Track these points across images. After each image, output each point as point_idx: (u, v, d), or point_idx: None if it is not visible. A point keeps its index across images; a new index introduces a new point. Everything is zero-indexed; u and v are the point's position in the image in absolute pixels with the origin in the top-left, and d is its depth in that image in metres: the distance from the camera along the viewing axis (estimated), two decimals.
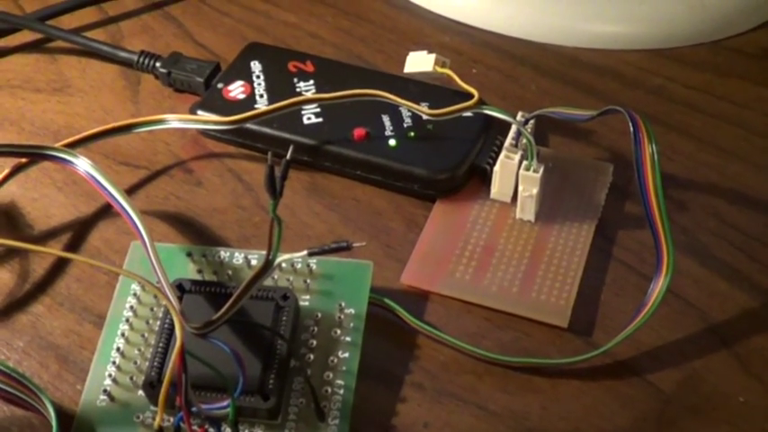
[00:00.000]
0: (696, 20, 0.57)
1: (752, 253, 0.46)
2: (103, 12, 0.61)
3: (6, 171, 0.47)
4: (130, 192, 0.49)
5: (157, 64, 0.54)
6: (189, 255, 0.44)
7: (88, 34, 0.58)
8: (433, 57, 0.50)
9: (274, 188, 0.36)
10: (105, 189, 0.43)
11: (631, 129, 0.42)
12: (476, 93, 0.47)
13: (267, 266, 0.38)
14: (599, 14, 0.57)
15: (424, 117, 0.48)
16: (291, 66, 0.52)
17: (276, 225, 0.37)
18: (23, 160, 0.47)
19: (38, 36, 0.58)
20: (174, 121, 0.49)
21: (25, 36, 0.59)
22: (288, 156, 0.37)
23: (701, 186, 0.49)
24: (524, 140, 0.46)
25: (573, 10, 0.57)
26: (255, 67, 0.53)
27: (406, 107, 0.48)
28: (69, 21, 0.59)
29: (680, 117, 0.53)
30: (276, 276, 0.43)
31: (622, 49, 0.57)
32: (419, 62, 0.50)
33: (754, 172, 0.49)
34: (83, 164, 0.44)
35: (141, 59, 0.55)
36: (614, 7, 0.57)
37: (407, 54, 0.52)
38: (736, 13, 0.58)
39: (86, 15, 0.60)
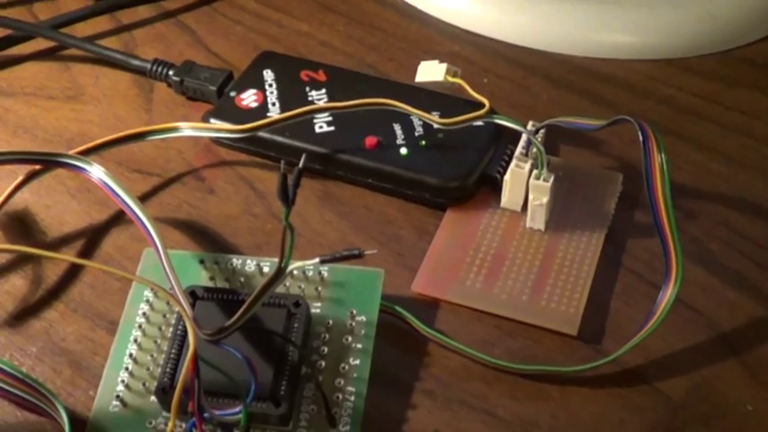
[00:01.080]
0: (705, 30, 0.58)
1: (761, 261, 0.46)
2: (117, 20, 0.61)
3: (20, 178, 0.47)
4: (143, 199, 0.49)
5: (170, 72, 0.55)
6: (201, 262, 0.44)
7: (101, 42, 0.59)
8: (444, 66, 0.50)
9: (287, 196, 0.37)
10: (119, 196, 0.44)
11: (641, 138, 0.42)
12: (486, 102, 0.48)
13: (279, 274, 0.38)
14: (609, 24, 0.58)
15: (435, 126, 0.48)
16: (304, 74, 0.53)
17: (288, 233, 0.37)
18: (37, 167, 0.47)
19: (51, 44, 0.59)
20: (187, 129, 0.49)
21: (39, 44, 0.59)
22: (300, 164, 0.38)
23: (711, 196, 0.49)
24: (535, 150, 0.46)
25: (583, 20, 0.58)
26: (268, 75, 0.53)
27: (417, 116, 0.48)
28: (83, 29, 0.60)
29: (689, 126, 0.53)
30: (288, 284, 0.43)
31: (632, 58, 0.57)
32: (430, 71, 0.51)
33: (763, 181, 0.50)
34: (96, 171, 0.45)
35: (154, 68, 0.55)
36: (624, 17, 0.58)
37: (419, 63, 0.52)
38: (745, 24, 0.59)
39: (100, 23, 0.61)
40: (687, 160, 0.51)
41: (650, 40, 0.57)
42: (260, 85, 0.52)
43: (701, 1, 0.58)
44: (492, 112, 0.48)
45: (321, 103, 0.51)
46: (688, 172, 0.50)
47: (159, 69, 0.55)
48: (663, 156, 0.41)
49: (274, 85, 0.52)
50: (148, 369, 0.41)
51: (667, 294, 0.41)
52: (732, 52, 0.58)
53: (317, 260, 0.39)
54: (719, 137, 0.52)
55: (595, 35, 0.58)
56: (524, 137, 0.47)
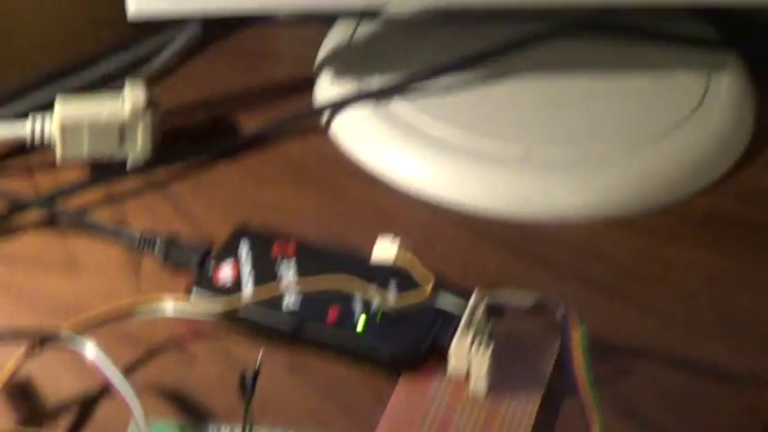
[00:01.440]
0: (646, 187, 0.63)
1: (687, 417, 0.50)
2: (109, 190, 0.66)
3: (22, 351, 0.52)
4: (129, 368, 0.53)
5: (156, 244, 0.60)
6: (181, 430, 0.50)
7: (94, 212, 0.63)
8: (396, 246, 0.56)
9: (246, 391, 0.42)
10: (106, 372, 0.50)
11: (561, 321, 0.47)
12: (431, 281, 0.54)
13: None
14: (553, 188, 0.63)
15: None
16: (275, 248, 0.58)
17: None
18: (36, 342, 0.53)
19: (47, 214, 0.63)
20: (169, 308, 0.55)
21: (36, 214, 0.63)
22: (257, 364, 0.42)
23: (641, 352, 0.53)
24: (477, 320, 0.51)
25: (531, 184, 0.63)
26: (242, 249, 0.58)
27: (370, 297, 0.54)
28: (78, 199, 0.65)
29: (624, 284, 0.58)
30: None
31: (575, 218, 0.62)
32: (385, 250, 0.57)
33: (691, 338, 0.54)
34: (88, 348, 0.51)
35: (142, 240, 0.60)
36: (570, 180, 0.63)
37: (381, 230, 0.57)
38: (683, 180, 0.64)
39: (93, 194, 0.65)
40: (620, 318, 0.55)
41: (592, 201, 0.63)
42: (235, 260, 0.58)
43: (639, 161, 0.64)
44: (439, 286, 0.54)
45: (288, 284, 0.56)
46: (621, 329, 0.54)
47: (146, 241, 0.60)
48: (581, 335, 0.46)
49: (248, 260, 0.57)
50: None
51: None
52: (671, 208, 0.63)
53: None
54: (653, 293, 0.57)
55: (545, 199, 0.63)
56: (469, 308, 0.52)
